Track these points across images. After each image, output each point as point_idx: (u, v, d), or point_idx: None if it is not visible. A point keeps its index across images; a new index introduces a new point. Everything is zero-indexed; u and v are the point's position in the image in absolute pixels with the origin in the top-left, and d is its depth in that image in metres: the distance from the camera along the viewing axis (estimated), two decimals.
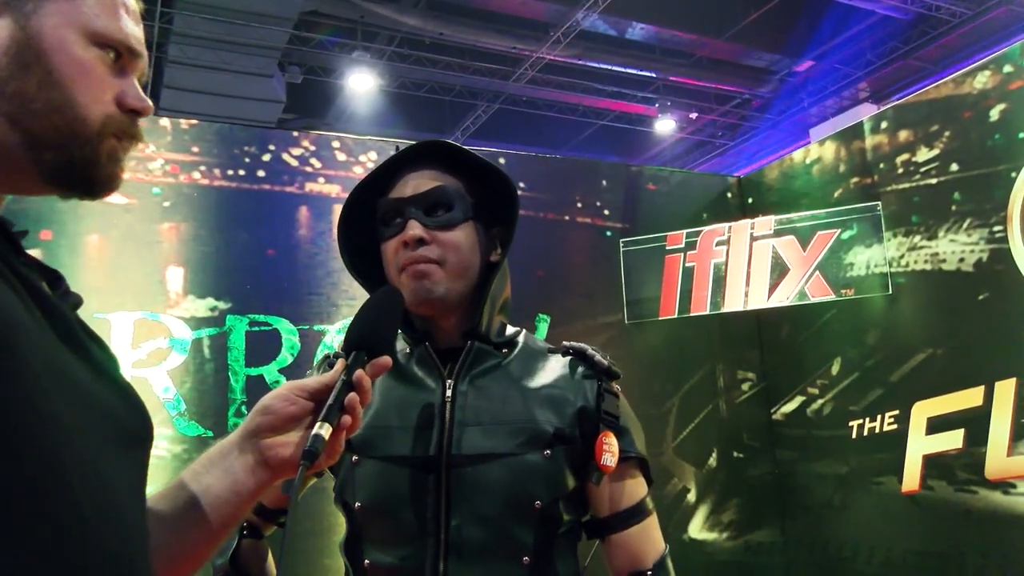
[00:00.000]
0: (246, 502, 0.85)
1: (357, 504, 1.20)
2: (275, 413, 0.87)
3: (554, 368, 1.29)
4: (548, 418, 1.21)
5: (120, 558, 0.64)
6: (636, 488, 1.29)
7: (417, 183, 1.24)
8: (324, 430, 0.84)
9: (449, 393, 1.22)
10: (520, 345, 1.31)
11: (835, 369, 3.16)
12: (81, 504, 0.60)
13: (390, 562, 1.18)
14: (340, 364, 0.92)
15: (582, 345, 1.32)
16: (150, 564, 0.69)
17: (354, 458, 1.21)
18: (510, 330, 1.33)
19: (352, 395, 0.87)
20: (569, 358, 1.31)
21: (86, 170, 0.68)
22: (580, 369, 1.29)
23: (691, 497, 3.25)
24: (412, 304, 1.22)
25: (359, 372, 0.91)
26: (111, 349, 0.75)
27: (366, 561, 1.20)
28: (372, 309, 1.02)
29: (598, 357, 1.30)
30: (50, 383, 0.59)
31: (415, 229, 1.20)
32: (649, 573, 1.26)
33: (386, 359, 0.95)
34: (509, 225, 1.29)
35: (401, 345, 1.30)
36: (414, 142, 1.31)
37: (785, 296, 3.10)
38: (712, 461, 3.32)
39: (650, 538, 1.29)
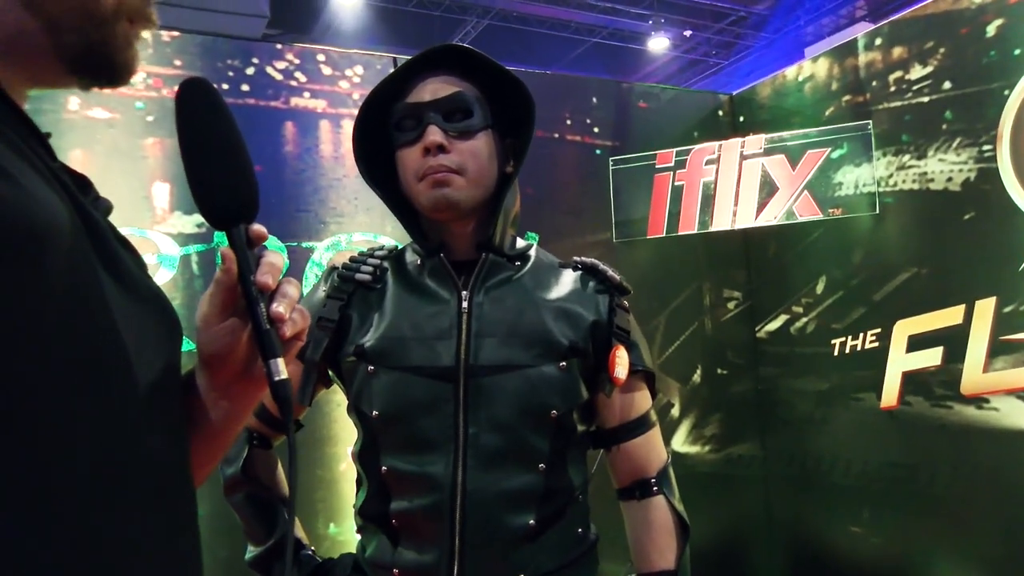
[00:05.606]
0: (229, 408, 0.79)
1: (374, 413, 1.22)
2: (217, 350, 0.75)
3: (566, 282, 1.31)
4: (563, 331, 1.24)
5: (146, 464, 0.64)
6: (643, 400, 1.35)
7: (435, 87, 1.23)
8: (279, 366, 0.69)
9: (465, 305, 1.23)
10: (532, 258, 1.33)
11: (820, 288, 3.19)
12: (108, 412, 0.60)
13: (408, 468, 1.20)
14: (226, 253, 0.71)
15: (593, 260, 1.35)
16: (189, 471, 0.71)
17: (370, 368, 1.22)
18: (520, 243, 1.35)
19: (262, 280, 0.70)
20: (580, 272, 1.33)
21: (104, 55, 0.68)
22: (592, 284, 1.32)
23: (675, 412, 3.33)
24: (430, 210, 1.23)
25: (261, 256, 0.72)
26: (140, 256, 0.75)
27: (383, 468, 1.22)
28: (221, 153, 0.72)
29: (610, 272, 1.33)
30: (81, 296, 0.59)
31: (435, 135, 1.19)
32: (653, 480, 1.33)
33: (260, 228, 0.73)
34: (523, 136, 1.28)
35: (412, 257, 1.31)
36: (397, 56, 1.29)
37: (773, 215, 3.11)
38: (696, 377, 3.39)
39: (654, 447, 1.36)
